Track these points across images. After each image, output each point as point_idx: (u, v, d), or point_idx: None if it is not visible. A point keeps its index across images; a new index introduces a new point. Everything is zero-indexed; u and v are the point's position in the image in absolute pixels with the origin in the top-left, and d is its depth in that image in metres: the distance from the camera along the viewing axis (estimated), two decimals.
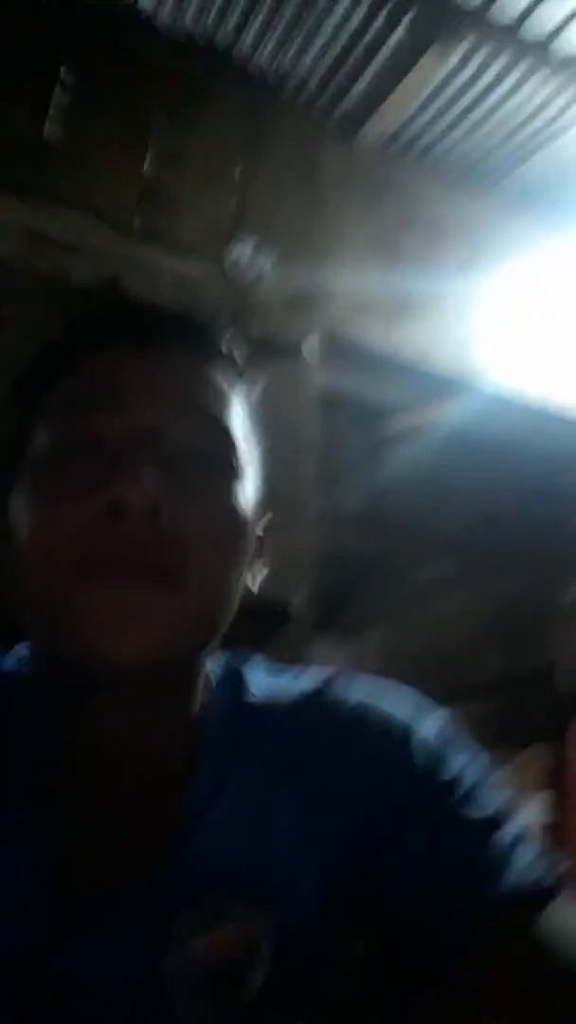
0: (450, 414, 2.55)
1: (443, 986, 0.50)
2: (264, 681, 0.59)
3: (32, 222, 1.73)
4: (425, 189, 2.37)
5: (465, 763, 0.55)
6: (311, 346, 1.95)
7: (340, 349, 2.07)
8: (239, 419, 0.54)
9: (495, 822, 0.52)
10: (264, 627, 1.75)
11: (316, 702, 0.57)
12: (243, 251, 2.02)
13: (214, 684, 0.58)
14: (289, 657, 1.84)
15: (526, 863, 0.51)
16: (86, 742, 0.51)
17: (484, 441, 2.66)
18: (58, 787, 0.52)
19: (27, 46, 1.88)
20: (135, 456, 0.46)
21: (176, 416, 0.50)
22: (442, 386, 2.27)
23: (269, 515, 0.59)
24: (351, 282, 2.13)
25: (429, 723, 0.57)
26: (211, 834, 0.51)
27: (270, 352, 1.84)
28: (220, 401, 0.53)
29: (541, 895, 0.49)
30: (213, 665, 0.58)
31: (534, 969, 0.47)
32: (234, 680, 0.59)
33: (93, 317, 0.57)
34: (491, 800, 0.54)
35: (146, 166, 1.95)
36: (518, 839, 0.52)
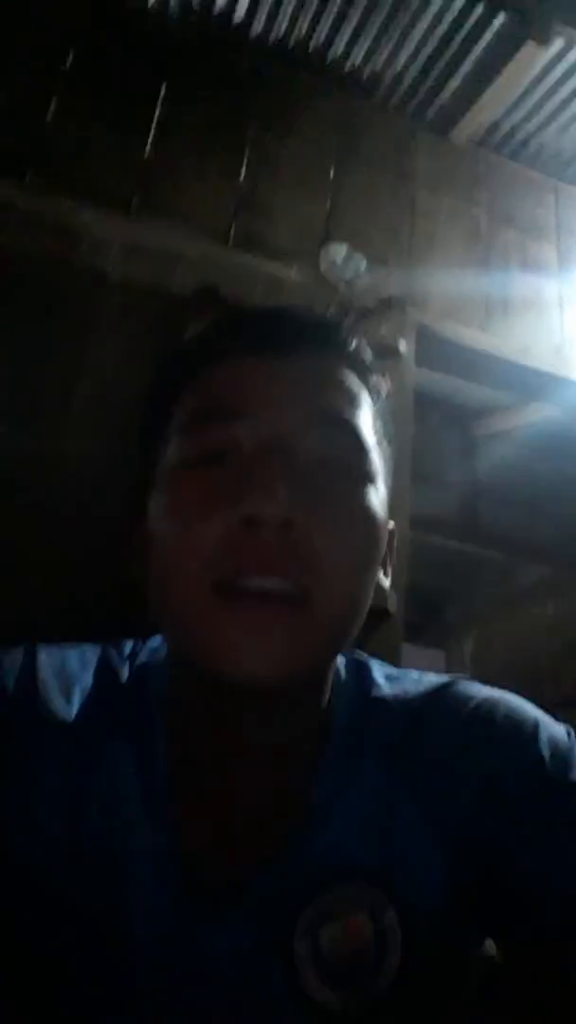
0: (546, 414, 2.49)
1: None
2: (389, 677, 0.60)
3: (132, 235, 1.78)
4: (520, 186, 2.33)
5: None
6: (407, 347, 1.94)
7: (435, 349, 2.04)
8: (370, 421, 0.54)
9: None
10: (364, 625, 1.74)
11: (443, 697, 0.57)
12: (337, 253, 2.03)
13: (342, 675, 0.59)
14: (384, 658, 1.84)
15: None
16: (220, 739, 0.53)
17: None
18: (190, 779, 0.53)
19: (124, 64, 1.96)
20: (268, 467, 0.47)
21: (307, 424, 0.50)
22: (538, 385, 2.21)
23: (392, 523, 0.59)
24: (446, 281, 2.10)
25: (555, 724, 0.56)
26: (337, 825, 0.51)
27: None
28: (351, 404, 0.53)
29: None
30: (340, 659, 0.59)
31: None
32: (360, 674, 0.59)
33: (217, 325, 0.57)
34: None
35: (242, 175, 1.99)
36: None
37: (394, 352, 1.87)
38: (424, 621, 4.61)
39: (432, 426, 2.80)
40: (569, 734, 0.55)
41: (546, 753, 0.52)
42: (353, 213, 2.09)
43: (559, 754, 0.52)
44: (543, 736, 0.53)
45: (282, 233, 1.98)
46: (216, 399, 0.51)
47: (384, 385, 0.58)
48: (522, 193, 2.32)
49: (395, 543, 0.60)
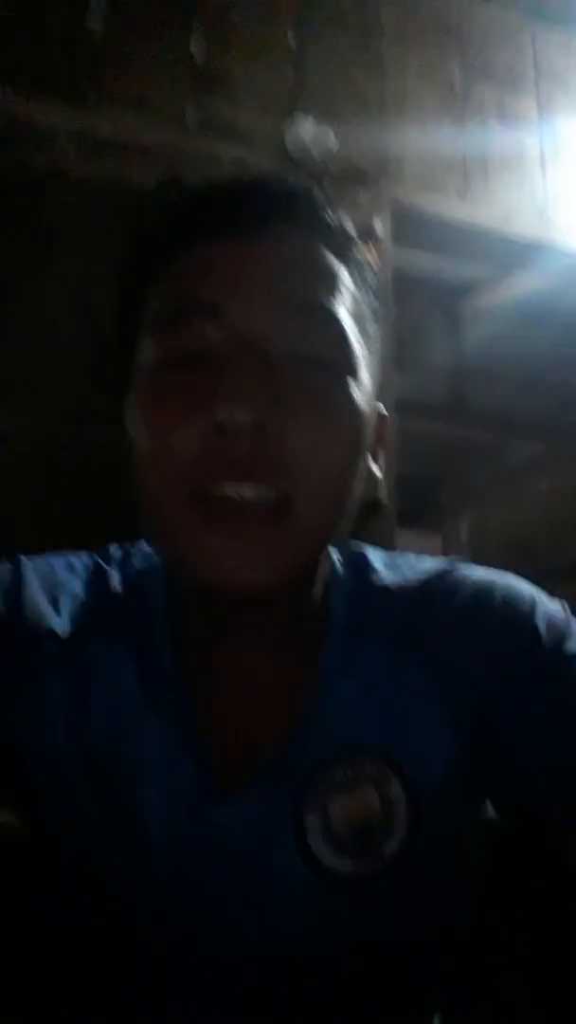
0: (532, 285, 2.41)
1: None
2: (388, 564, 0.60)
3: (81, 125, 1.66)
4: (495, 34, 2.16)
5: None
6: (383, 225, 1.85)
7: (412, 224, 1.95)
8: (350, 303, 0.51)
9: None
10: (354, 519, 1.75)
11: (442, 579, 0.58)
12: (304, 129, 1.91)
13: (339, 568, 0.59)
14: (379, 545, 1.86)
15: None
16: (218, 638, 0.54)
17: (572, 312, 2.50)
18: (196, 669, 0.54)
19: None
20: (238, 369, 0.45)
21: (281, 316, 0.47)
22: (523, 254, 2.13)
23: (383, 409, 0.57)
24: (421, 148, 1.98)
25: (551, 601, 0.57)
26: (341, 706, 0.53)
27: None
28: (328, 288, 0.49)
29: None
30: (334, 552, 0.59)
31: None
32: (358, 565, 0.60)
33: (179, 208, 0.52)
34: None
35: (193, 47, 1.84)
36: None
37: (369, 232, 1.79)
38: (418, 507, 4.64)
39: (415, 308, 2.72)
40: (565, 610, 0.56)
41: (542, 628, 0.53)
42: (318, 80, 1.94)
43: (555, 629, 0.53)
44: (539, 612, 0.54)
45: (244, 112, 1.85)
46: (182, 295, 0.49)
47: (368, 257, 0.55)
48: (497, 42, 2.15)
49: (387, 430, 0.58)
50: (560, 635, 0.53)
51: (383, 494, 1.87)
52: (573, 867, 0.50)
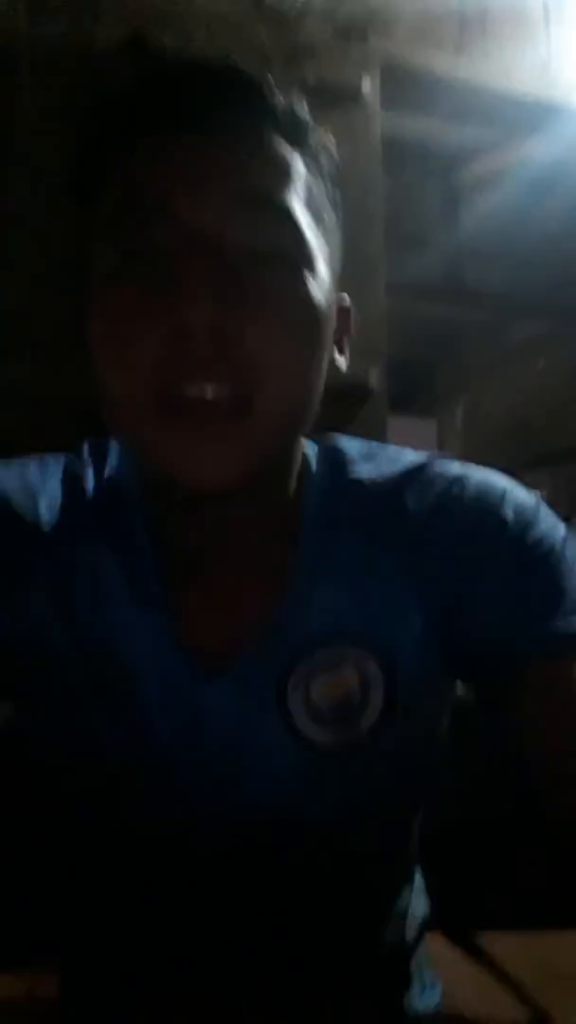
0: (536, 151, 2.25)
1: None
2: (366, 455, 0.62)
3: None
4: None
5: (553, 526, 0.57)
6: (371, 86, 1.71)
7: (404, 85, 1.81)
8: (305, 193, 0.50)
9: (571, 572, 0.55)
10: (342, 406, 1.72)
11: (418, 473, 0.60)
12: None
13: (313, 464, 0.60)
14: (369, 435, 1.83)
15: None
16: (194, 532, 0.56)
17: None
18: (176, 562, 0.57)
19: None
20: (193, 269, 0.45)
21: (233, 212, 0.47)
22: (525, 116, 1.98)
23: (346, 299, 0.58)
24: None
25: (523, 492, 0.59)
26: (321, 591, 0.56)
27: (324, 98, 1.63)
28: (280, 178, 0.49)
29: None
30: (310, 445, 0.61)
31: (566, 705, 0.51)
32: (334, 458, 0.61)
33: (121, 99, 0.50)
34: (572, 560, 0.56)
35: None
36: None
37: (356, 94, 1.65)
38: (412, 392, 4.56)
39: (408, 179, 2.56)
40: (537, 500, 0.58)
41: (510, 515, 0.56)
42: None
43: (522, 516, 0.56)
44: (509, 501, 0.57)
45: None
46: (131, 193, 0.48)
47: (327, 141, 0.53)
48: None
49: (351, 320, 0.59)
50: (526, 522, 0.56)
51: (373, 380, 1.83)
52: (510, 730, 0.54)
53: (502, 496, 0.57)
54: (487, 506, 0.57)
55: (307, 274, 0.49)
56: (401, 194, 2.73)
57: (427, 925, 0.72)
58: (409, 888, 0.69)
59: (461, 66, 1.84)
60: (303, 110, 0.51)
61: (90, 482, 0.60)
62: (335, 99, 1.64)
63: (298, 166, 0.50)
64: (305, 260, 0.49)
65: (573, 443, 3.47)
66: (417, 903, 0.70)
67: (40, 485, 0.59)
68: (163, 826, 0.57)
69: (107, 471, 0.61)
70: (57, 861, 0.69)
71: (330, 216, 0.53)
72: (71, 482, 0.60)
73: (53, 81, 1.50)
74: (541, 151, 2.14)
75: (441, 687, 0.60)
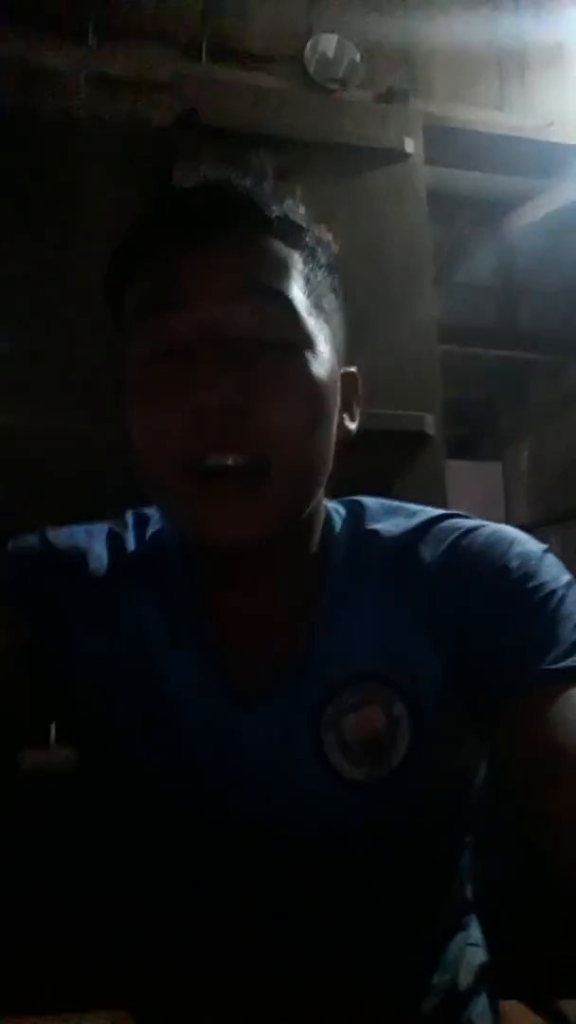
0: None
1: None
2: (386, 511, 0.67)
3: (90, 63, 1.63)
4: None
5: (555, 576, 0.59)
6: (414, 145, 1.76)
7: (446, 141, 1.86)
8: (302, 284, 0.56)
9: (566, 619, 0.56)
10: (401, 454, 1.73)
11: (432, 527, 0.64)
12: (326, 46, 1.82)
13: (338, 520, 0.65)
14: (428, 480, 1.84)
15: None
16: (227, 578, 0.61)
17: None
18: (211, 610, 0.62)
19: None
20: (205, 357, 0.52)
21: (237, 304, 0.54)
22: (568, 160, 2.00)
23: (352, 367, 0.64)
24: (450, 51, 1.87)
25: (530, 543, 0.62)
26: (342, 637, 0.60)
27: (369, 159, 1.70)
28: (278, 273, 0.55)
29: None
30: (336, 505, 0.67)
31: (544, 736, 0.51)
32: (356, 514, 0.66)
33: (142, 220, 0.59)
34: (572, 604, 0.57)
35: None
36: None
37: (400, 153, 1.71)
38: (476, 435, 4.54)
39: (457, 228, 2.61)
40: (543, 551, 0.61)
41: (514, 563, 0.59)
42: None
43: (526, 564, 0.59)
44: (515, 550, 0.60)
45: (260, 34, 1.78)
46: (150, 295, 0.55)
47: (323, 236, 0.60)
48: None
49: (358, 385, 0.65)
50: (528, 569, 0.59)
51: (429, 426, 1.83)
52: (509, 761, 0.54)
53: (508, 545, 0.61)
54: (493, 554, 0.60)
55: (307, 354, 0.55)
56: (454, 242, 2.78)
57: (489, 979, 0.70)
58: (463, 935, 0.69)
59: (501, 118, 1.88)
60: (297, 215, 0.58)
61: (132, 541, 0.67)
62: (380, 158, 1.71)
63: (295, 261, 0.57)
64: (305, 342, 0.55)
65: None
66: (473, 953, 0.70)
67: (87, 545, 0.65)
68: (202, 850, 0.60)
69: (149, 531, 0.68)
70: (110, 883, 0.72)
71: (329, 300, 0.59)
72: (114, 542, 0.66)
73: (112, 158, 1.60)
74: None
75: (463, 723, 0.61)
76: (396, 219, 1.73)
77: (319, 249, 0.59)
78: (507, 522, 0.68)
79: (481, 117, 1.87)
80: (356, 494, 0.65)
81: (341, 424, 0.61)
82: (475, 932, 0.71)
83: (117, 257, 0.59)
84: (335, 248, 0.61)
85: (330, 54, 1.84)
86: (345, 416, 0.62)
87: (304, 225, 0.58)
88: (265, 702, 0.59)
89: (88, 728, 0.63)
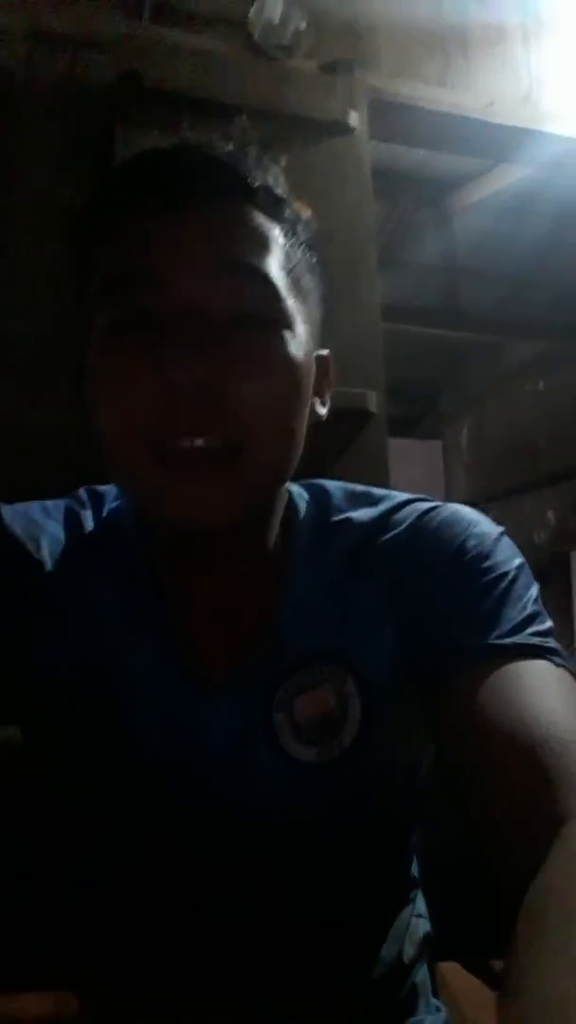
0: (521, 174, 2.30)
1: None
2: (351, 497, 0.67)
3: (30, 21, 1.56)
4: None
5: (509, 557, 0.60)
6: (358, 119, 1.75)
7: (391, 117, 1.85)
8: (282, 260, 0.54)
9: (515, 600, 0.57)
10: (343, 431, 1.73)
11: (397, 510, 0.64)
12: (272, 11, 1.79)
13: (302, 504, 0.65)
14: (370, 458, 1.85)
15: (528, 632, 0.55)
16: (187, 562, 0.60)
17: (564, 201, 2.39)
18: (172, 593, 0.61)
19: None
20: (179, 332, 0.49)
21: (214, 282, 0.51)
22: (509, 143, 2.02)
23: (324, 351, 0.63)
24: (397, 30, 1.86)
25: (487, 524, 0.63)
26: (303, 619, 0.60)
27: (313, 130, 1.68)
28: (259, 249, 0.53)
29: (525, 654, 0.53)
30: (299, 489, 0.66)
31: (481, 707, 0.51)
32: (320, 500, 0.66)
33: (116, 178, 0.56)
34: (521, 587, 0.58)
35: None
36: (531, 617, 0.56)
37: (343, 126, 1.70)
38: (417, 413, 4.60)
39: (401, 205, 2.61)
40: (499, 533, 0.62)
41: (470, 543, 0.60)
42: None
43: (481, 544, 0.60)
44: (471, 531, 0.61)
45: None
46: (123, 266, 0.52)
47: (303, 212, 0.58)
48: None
49: (330, 370, 0.63)
50: (482, 549, 0.60)
51: (372, 404, 1.84)
52: (445, 731, 0.55)
53: (466, 526, 0.61)
54: (450, 534, 0.61)
55: (285, 333, 0.53)
56: (395, 220, 2.79)
57: (430, 947, 0.72)
58: (409, 908, 0.70)
59: (445, 95, 1.88)
60: (279, 186, 0.56)
61: (89, 521, 0.64)
62: (324, 131, 1.69)
63: (275, 236, 0.54)
64: (283, 320, 0.53)
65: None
66: (417, 924, 0.71)
67: (43, 524, 0.63)
68: (160, 834, 0.60)
69: (104, 512, 0.66)
70: (64, 868, 0.71)
71: (308, 279, 0.57)
72: (71, 520, 0.64)
73: (51, 120, 1.54)
74: (525, 174, 2.18)
75: (415, 702, 0.61)
76: (340, 194, 1.72)
77: (299, 223, 0.57)
78: (447, 499, 0.69)
79: (425, 94, 1.87)
80: (299, 470, 0.64)
81: (312, 408, 0.59)
82: (420, 904, 0.73)
83: (87, 214, 0.56)
84: (314, 225, 0.59)
85: (275, 20, 1.80)
86: (316, 400, 0.61)
87: (286, 197, 0.56)
88: (221, 687, 0.58)
89: (40, 711, 0.61)
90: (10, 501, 0.64)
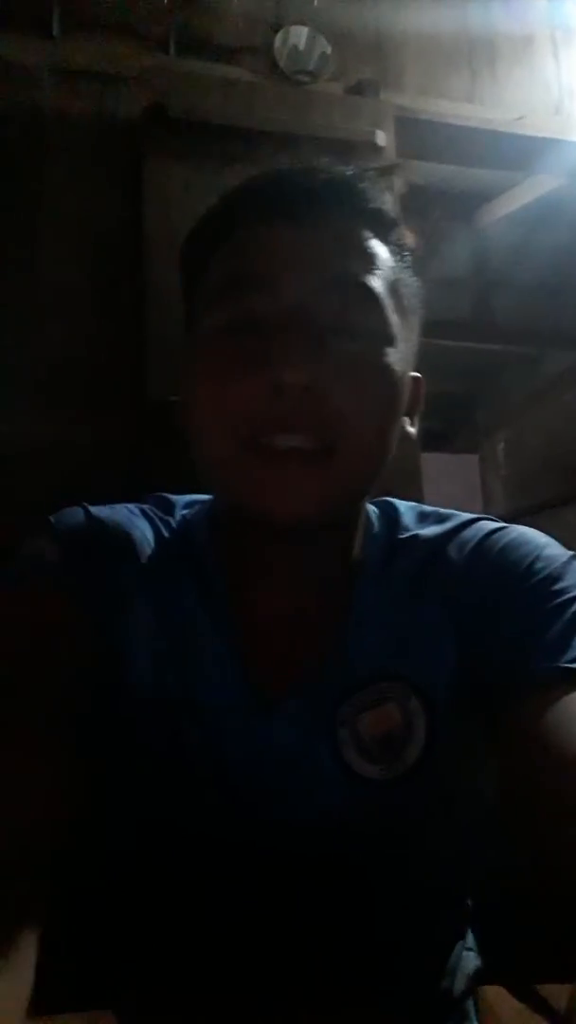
0: (552, 185, 2.27)
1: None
2: (420, 516, 0.67)
3: (59, 58, 1.60)
4: None
5: None
6: (386, 138, 1.75)
7: (418, 134, 1.85)
8: (390, 279, 0.56)
9: None
10: None
11: (463, 530, 0.65)
12: (297, 38, 1.81)
13: (375, 522, 0.65)
14: (404, 471, 1.84)
15: None
16: (262, 570, 0.61)
17: None
18: (244, 600, 0.61)
19: None
20: (288, 336, 0.51)
21: (326, 291, 0.53)
22: (540, 153, 2.00)
23: (418, 373, 0.63)
24: (422, 49, 1.86)
25: (557, 548, 0.62)
26: (369, 636, 0.60)
27: (341, 151, 1.68)
28: (369, 266, 0.55)
29: None
30: (373, 506, 0.67)
31: (547, 732, 0.50)
32: (392, 518, 0.67)
33: (240, 190, 0.59)
34: None
35: None
36: None
37: (371, 146, 1.70)
38: (453, 428, 4.56)
39: (431, 221, 2.61)
40: (570, 557, 0.61)
41: (539, 565, 0.59)
42: None
43: (551, 566, 0.59)
44: (540, 554, 0.60)
45: (228, 26, 1.76)
46: (239, 269, 0.55)
47: (409, 237, 0.60)
48: None
49: (422, 393, 0.65)
50: (551, 573, 0.59)
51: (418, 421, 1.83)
52: (508, 754, 0.54)
53: (535, 547, 0.61)
54: (519, 555, 0.60)
55: (387, 348, 0.55)
56: (427, 236, 2.78)
57: (479, 979, 0.70)
58: (461, 943, 0.69)
59: (473, 111, 1.88)
60: (391, 209, 0.58)
61: (167, 526, 0.66)
62: (351, 152, 1.69)
63: (384, 256, 0.56)
64: (386, 336, 0.55)
65: None
66: (468, 957, 0.70)
67: (134, 522, 0.65)
68: (217, 842, 0.60)
69: (179, 520, 0.67)
70: (117, 880, 0.70)
71: (411, 301, 0.59)
72: (154, 524, 0.66)
73: (78, 151, 1.58)
74: (555, 186, 2.15)
75: (478, 722, 0.60)
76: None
77: (406, 248, 0.59)
78: (485, 513, 0.68)
79: (452, 110, 1.86)
80: None
81: (403, 425, 0.60)
82: (470, 937, 0.71)
83: (209, 221, 0.59)
84: (419, 252, 0.61)
85: (300, 46, 1.82)
86: (406, 419, 0.62)
87: (397, 220, 0.58)
88: (285, 700, 0.58)
89: (121, 702, 0.61)
90: (24, 513, 0.65)
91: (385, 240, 0.57)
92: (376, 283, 0.55)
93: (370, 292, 0.55)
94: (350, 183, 0.57)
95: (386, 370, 0.55)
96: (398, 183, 1.77)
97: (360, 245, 0.56)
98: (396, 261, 0.58)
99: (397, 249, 0.58)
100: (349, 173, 0.58)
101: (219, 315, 0.55)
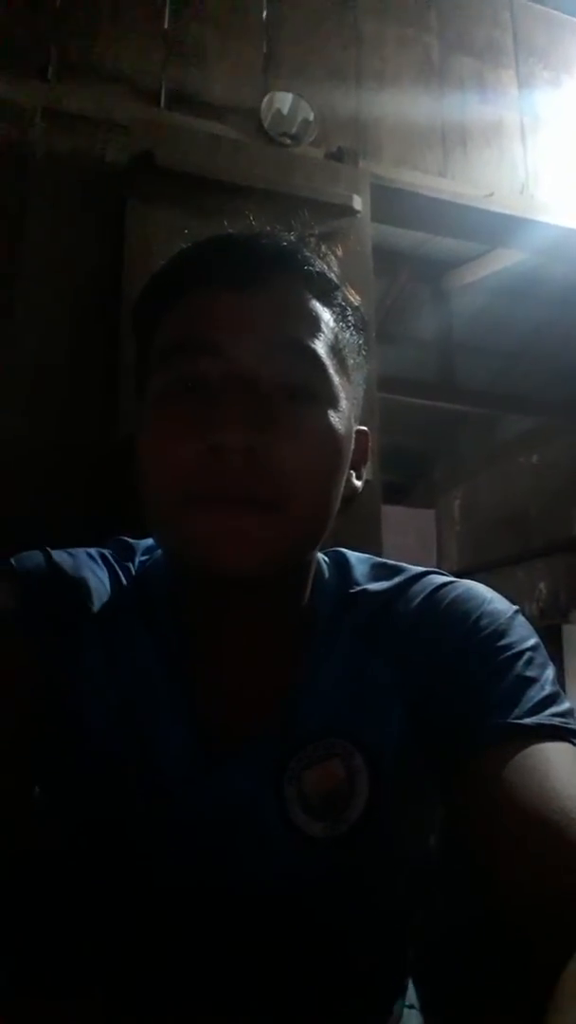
0: (517, 259, 2.39)
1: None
2: (371, 568, 0.68)
3: (53, 101, 1.65)
4: (473, 5, 2.13)
5: (524, 636, 0.59)
6: (362, 203, 1.84)
7: (392, 202, 1.94)
8: (331, 342, 0.58)
9: (532, 680, 0.56)
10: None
11: (412, 584, 0.65)
12: (282, 103, 1.89)
13: (326, 573, 0.66)
14: (364, 522, 1.87)
15: (548, 712, 0.54)
16: (214, 628, 0.61)
17: (558, 285, 2.49)
18: (197, 654, 0.62)
19: None
20: (230, 400, 0.52)
21: (270, 356, 0.55)
22: (504, 230, 2.11)
23: (364, 427, 0.65)
24: (399, 123, 1.96)
25: (502, 603, 0.63)
26: (317, 693, 0.61)
27: (319, 212, 1.75)
28: (312, 330, 0.57)
29: (546, 735, 0.52)
30: (324, 556, 0.67)
31: (500, 789, 0.50)
32: (342, 570, 0.67)
33: (186, 257, 0.60)
34: (538, 667, 0.57)
35: (166, 18, 1.82)
36: (551, 697, 0.55)
37: (348, 210, 1.77)
38: (411, 482, 4.66)
39: (400, 283, 2.71)
40: (514, 612, 0.62)
41: (484, 621, 0.60)
42: (293, 53, 1.92)
43: (496, 622, 0.60)
44: (485, 609, 0.61)
45: (218, 85, 1.83)
46: (186, 333, 0.56)
47: (351, 299, 0.61)
48: (475, 13, 2.12)
49: (369, 446, 0.66)
50: (496, 628, 0.59)
51: (366, 472, 1.87)
52: (462, 813, 0.54)
53: (480, 603, 0.61)
54: (464, 610, 0.61)
55: (329, 410, 0.56)
56: (394, 296, 2.88)
57: None
58: (401, 1000, 0.69)
59: (445, 185, 1.98)
60: (332, 274, 0.60)
61: (125, 573, 0.66)
62: (328, 213, 1.77)
63: (326, 319, 0.58)
64: (328, 397, 0.56)
65: (569, 535, 3.52)
66: (410, 1016, 0.70)
67: (91, 569, 0.65)
68: (159, 886, 0.60)
69: (137, 568, 0.67)
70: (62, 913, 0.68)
71: (353, 360, 0.61)
72: (112, 570, 0.66)
73: (64, 192, 1.61)
74: (521, 259, 2.27)
75: (425, 786, 0.61)
76: (342, 272, 1.79)
77: (348, 310, 0.60)
78: (438, 567, 0.70)
79: (425, 182, 1.96)
80: None
81: (348, 480, 0.61)
82: (411, 994, 0.71)
83: (157, 285, 0.61)
84: (363, 311, 0.63)
85: (284, 111, 1.91)
86: (352, 473, 0.62)
87: (337, 283, 0.59)
88: (236, 753, 0.59)
89: (73, 743, 0.61)
90: (15, 515, 0.64)
91: (327, 303, 0.58)
92: (318, 346, 0.56)
93: (313, 355, 0.56)
94: (292, 249, 0.59)
95: (329, 431, 0.56)
96: (369, 243, 1.84)
97: (302, 309, 0.57)
98: (338, 322, 0.59)
99: (340, 311, 0.59)
100: (292, 238, 0.60)
101: (167, 376, 0.56)
